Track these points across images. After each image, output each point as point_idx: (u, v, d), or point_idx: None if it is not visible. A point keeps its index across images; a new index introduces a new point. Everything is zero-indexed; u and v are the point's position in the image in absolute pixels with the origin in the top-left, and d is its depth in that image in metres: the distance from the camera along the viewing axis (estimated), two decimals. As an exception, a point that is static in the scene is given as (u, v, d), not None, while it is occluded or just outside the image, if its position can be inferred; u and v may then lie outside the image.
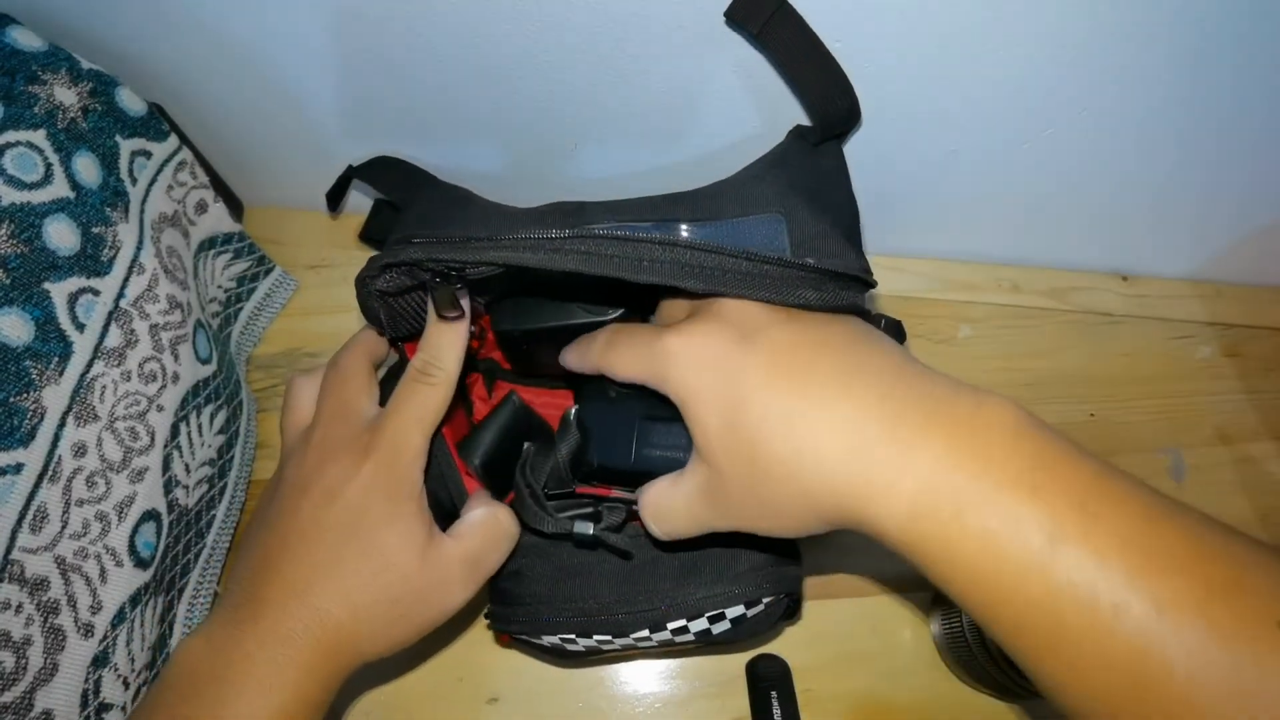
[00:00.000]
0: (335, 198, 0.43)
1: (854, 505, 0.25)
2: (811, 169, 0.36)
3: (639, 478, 0.31)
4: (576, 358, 0.33)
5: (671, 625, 0.34)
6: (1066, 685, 0.22)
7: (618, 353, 0.30)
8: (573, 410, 0.34)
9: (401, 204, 0.41)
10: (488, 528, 0.33)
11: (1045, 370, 0.54)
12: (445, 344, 0.32)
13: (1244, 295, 0.59)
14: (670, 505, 0.30)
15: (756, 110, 0.40)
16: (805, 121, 0.39)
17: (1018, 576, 0.22)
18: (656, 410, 0.31)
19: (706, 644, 0.36)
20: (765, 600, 0.34)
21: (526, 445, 0.35)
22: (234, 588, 0.31)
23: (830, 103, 0.36)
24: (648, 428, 0.32)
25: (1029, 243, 0.55)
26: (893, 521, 0.24)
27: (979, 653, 0.41)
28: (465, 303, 0.31)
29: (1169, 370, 0.56)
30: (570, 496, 0.34)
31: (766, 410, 0.26)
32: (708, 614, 0.34)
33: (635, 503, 0.31)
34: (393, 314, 0.32)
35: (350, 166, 0.42)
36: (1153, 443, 0.54)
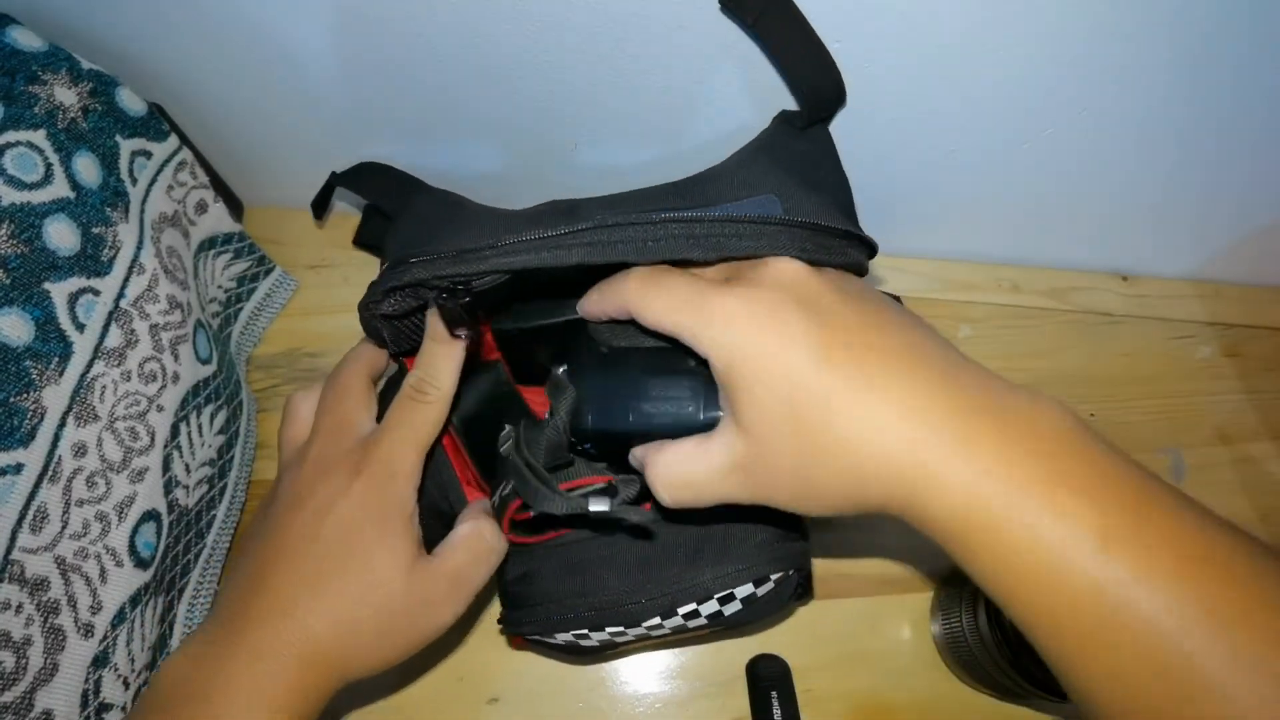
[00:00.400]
0: (320, 206, 0.43)
1: (905, 491, 0.24)
2: (800, 151, 0.36)
3: (637, 439, 0.30)
4: (598, 297, 0.30)
5: (682, 610, 0.33)
6: (1105, 692, 0.22)
7: (654, 296, 0.28)
8: (562, 369, 0.31)
9: (391, 211, 0.40)
10: (472, 544, 0.33)
11: (1045, 370, 0.54)
12: (440, 362, 0.31)
13: (1244, 295, 0.59)
14: (692, 476, 0.28)
15: (757, 110, 0.40)
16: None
17: (1066, 575, 0.22)
18: (653, 367, 0.30)
19: (721, 627, 0.35)
20: (774, 577, 0.34)
21: (522, 422, 0.33)
22: (224, 600, 0.31)
23: (819, 87, 0.36)
24: (646, 385, 0.30)
25: (1029, 243, 0.55)
26: (944, 511, 0.24)
27: (979, 653, 0.41)
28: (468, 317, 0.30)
29: (1169, 370, 0.56)
30: (567, 465, 0.32)
31: (834, 387, 0.25)
32: (717, 595, 0.33)
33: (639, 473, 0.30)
34: (396, 332, 0.32)
35: (333, 174, 0.42)
36: (1153, 443, 0.54)
